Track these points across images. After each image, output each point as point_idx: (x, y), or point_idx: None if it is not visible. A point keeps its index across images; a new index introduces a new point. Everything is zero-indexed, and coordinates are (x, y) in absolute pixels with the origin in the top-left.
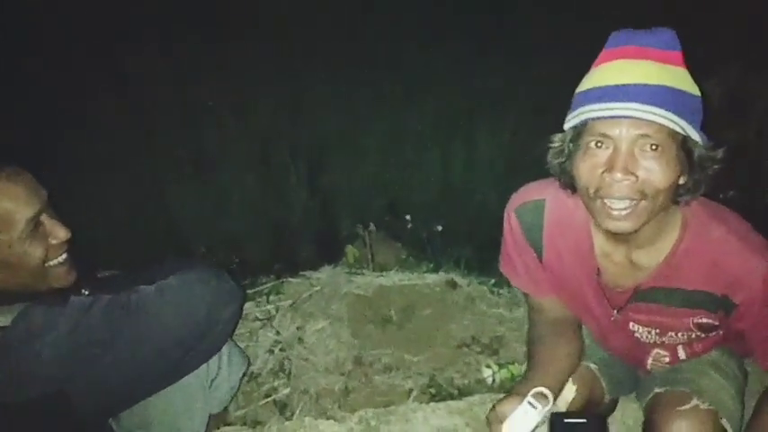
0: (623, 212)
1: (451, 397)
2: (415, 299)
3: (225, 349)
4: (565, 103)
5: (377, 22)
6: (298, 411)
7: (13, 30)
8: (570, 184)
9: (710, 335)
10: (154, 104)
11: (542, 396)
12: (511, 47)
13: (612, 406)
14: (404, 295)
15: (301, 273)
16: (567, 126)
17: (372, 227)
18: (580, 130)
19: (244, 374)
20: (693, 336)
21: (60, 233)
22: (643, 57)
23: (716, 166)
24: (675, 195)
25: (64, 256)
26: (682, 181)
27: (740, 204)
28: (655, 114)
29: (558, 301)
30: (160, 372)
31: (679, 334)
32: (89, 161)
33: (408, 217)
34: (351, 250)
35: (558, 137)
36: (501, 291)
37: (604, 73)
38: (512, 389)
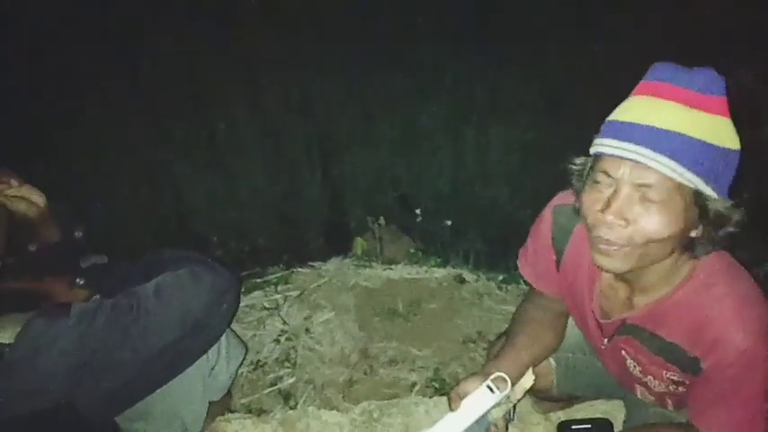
0: (610, 250)
1: None
2: (423, 293)
3: (223, 338)
4: (576, 102)
5: (391, 15)
6: (302, 401)
7: (24, 18)
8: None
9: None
10: (167, 94)
11: (503, 380)
12: (524, 43)
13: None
14: (411, 289)
15: (310, 263)
16: (591, 151)
17: (382, 220)
18: (595, 161)
19: (242, 362)
20: (671, 388)
21: None
22: (673, 98)
23: (732, 228)
24: (687, 247)
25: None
26: (694, 234)
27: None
28: (660, 163)
29: (559, 300)
30: (162, 370)
31: (656, 381)
32: (101, 150)
33: (418, 211)
34: (359, 242)
35: (580, 160)
36: (509, 287)
37: (630, 107)
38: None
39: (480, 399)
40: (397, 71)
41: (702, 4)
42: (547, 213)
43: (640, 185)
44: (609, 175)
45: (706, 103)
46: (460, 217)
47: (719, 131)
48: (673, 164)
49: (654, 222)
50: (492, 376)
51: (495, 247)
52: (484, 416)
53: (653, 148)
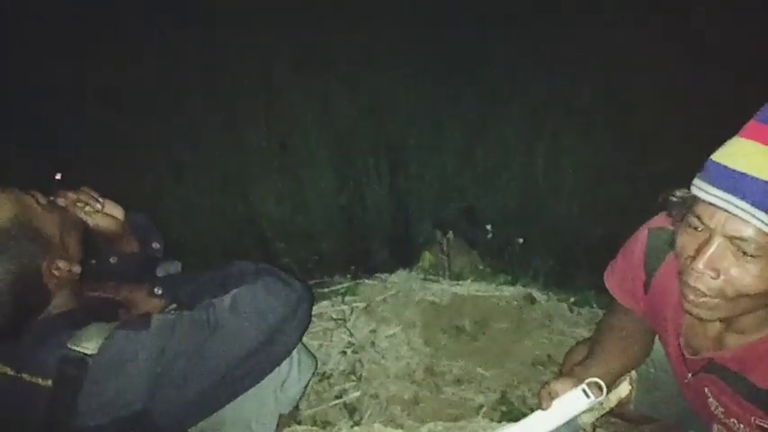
0: (696, 300)
1: (523, 416)
2: (491, 311)
3: (295, 352)
4: (652, 121)
5: (464, 27)
6: (366, 416)
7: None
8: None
9: None
10: (241, 103)
11: (597, 387)
12: (601, 59)
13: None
14: (479, 306)
15: (376, 275)
16: (692, 190)
17: (450, 234)
18: (693, 201)
19: (313, 375)
20: None
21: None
22: None
23: None
24: None
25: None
26: None
27: None
28: (758, 219)
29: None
30: (236, 383)
31: (741, 425)
32: (174, 156)
33: (489, 227)
34: (427, 256)
35: (680, 193)
36: (581, 310)
37: (733, 149)
38: (572, 368)
39: (573, 401)
40: (469, 82)
41: None
42: (642, 234)
43: (734, 238)
44: (703, 223)
45: None
46: (531, 234)
47: None
48: None
49: (747, 276)
50: (587, 380)
51: (567, 267)
52: (573, 419)
53: (752, 202)
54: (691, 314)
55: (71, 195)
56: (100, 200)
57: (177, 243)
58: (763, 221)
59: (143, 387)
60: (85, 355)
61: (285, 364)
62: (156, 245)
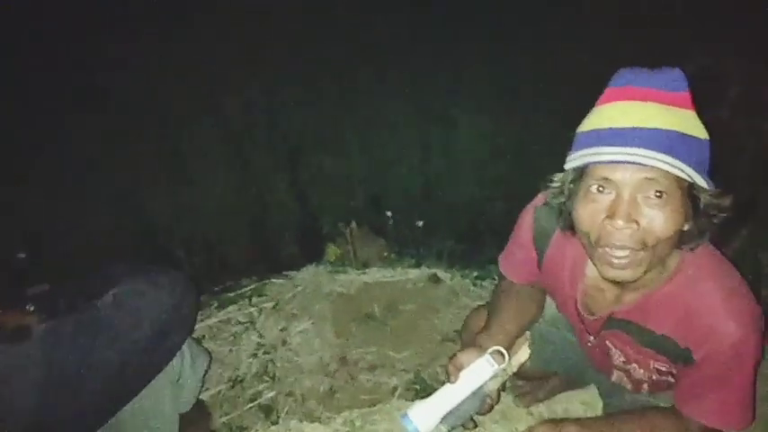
0: (623, 261)
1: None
2: (398, 295)
3: (186, 346)
4: (550, 95)
5: (350, 14)
6: (283, 414)
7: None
8: (570, 226)
9: (670, 380)
10: (127, 105)
11: (499, 355)
12: (493, 33)
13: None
14: (387, 292)
15: (284, 273)
16: (567, 166)
17: (354, 224)
18: (581, 172)
19: (207, 369)
20: (654, 377)
21: None
22: (647, 98)
23: (723, 214)
24: (678, 242)
25: None
26: (686, 227)
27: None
28: (659, 160)
29: (536, 285)
30: (130, 381)
31: (641, 370)
32: (64, 163)
33: (389, 213)
34: (332, 249)
35: (557, 177)
36: (484, 283)
37: (607, 114)
38: (474, 337)
39: (479, 372)
40: (359, 71)
41: None
42: (527, 216)
43: (644, 181)
44: (609, 181)
45: (677, 100)
46: (432, 215)
47: (693, 125)
48: (672, 160)
49: (662, 220)
50: (490, 350)
51: (468, 244)
52: (480, 387)
53: (652, 148)
54: (617, 280)
55: None
56: None
57: (73, 259)
58: (667, 162)
59: (32, 399)
60: None
61: (177, 358)
62: (20, 255)
